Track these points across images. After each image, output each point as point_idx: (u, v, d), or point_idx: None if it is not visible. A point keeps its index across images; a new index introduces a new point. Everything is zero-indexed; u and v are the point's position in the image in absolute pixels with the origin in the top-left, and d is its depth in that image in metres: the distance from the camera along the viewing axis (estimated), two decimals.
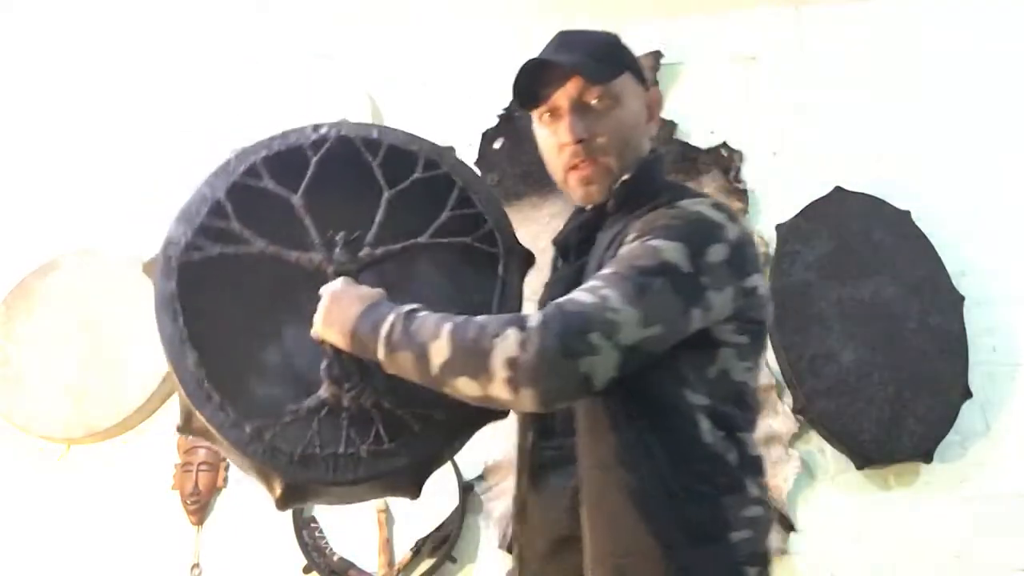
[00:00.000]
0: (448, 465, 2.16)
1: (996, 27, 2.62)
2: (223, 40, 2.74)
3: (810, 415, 2.25)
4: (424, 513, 2.19)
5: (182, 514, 2.24)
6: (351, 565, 2.15)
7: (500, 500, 2.17)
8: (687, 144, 2.53)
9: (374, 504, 2.19)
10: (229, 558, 2.21)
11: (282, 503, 1.17)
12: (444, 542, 2.12)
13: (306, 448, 1.14)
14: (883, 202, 2.41)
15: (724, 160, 2.51)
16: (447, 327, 1.04)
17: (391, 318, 1.08)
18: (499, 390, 1.00)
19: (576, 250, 1.27)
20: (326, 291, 1.16)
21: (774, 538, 2.10)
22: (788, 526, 2.13)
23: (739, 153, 2.52)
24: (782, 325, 2.26)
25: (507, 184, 2.52)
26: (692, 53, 2.66)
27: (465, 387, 1.03)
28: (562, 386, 1.00)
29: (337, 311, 1.13)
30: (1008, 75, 2.57)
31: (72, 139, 2.71)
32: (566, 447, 1.15)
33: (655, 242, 1.07)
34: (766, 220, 2.44)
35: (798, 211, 2.40)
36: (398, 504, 2.22)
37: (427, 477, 1.22)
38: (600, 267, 1.12)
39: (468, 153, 2.57)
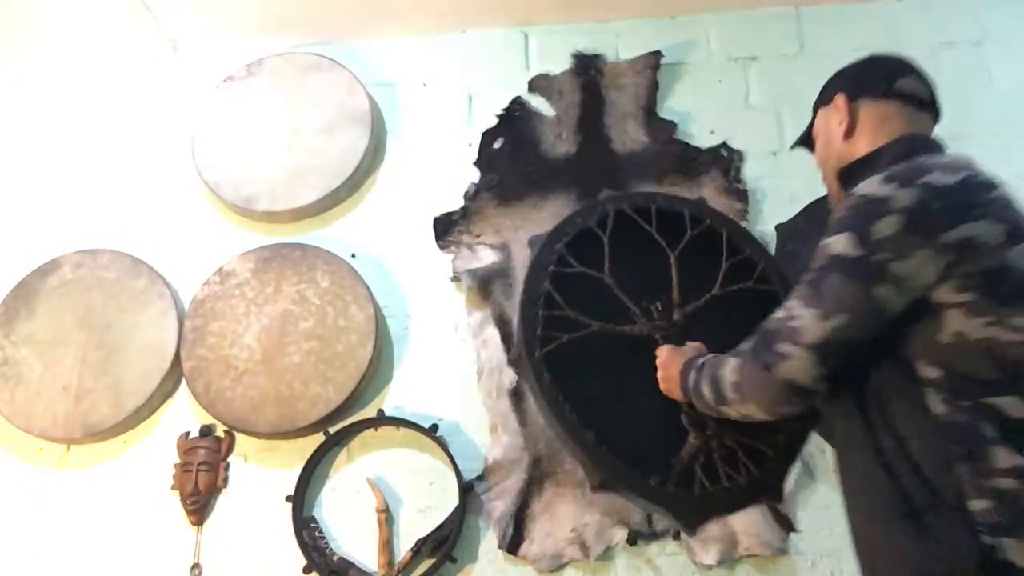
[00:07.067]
0: (448, 465, 2.17)
1: (996, 25, 2.62)
2: (223, 40, 2.74)
3: None
4: (424, 513, 2.20)
5: (182, 514, 2.23)
6: (351, 565, 2.15)
7: (500, 500, 2.17)
8: (687, 144, 2.53)
9: (374, 504, 2.19)
10: (229, 558, 2.21)
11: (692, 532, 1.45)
12: (444, 542, 2.12)
13: (700, 489, 1.37)
14: None
15: (724, 160, 2.51)
16: (705, 373, 1.30)
17: (692, 375, 1.33)
18: (736, 409, 1.24)
19: None
20: (660, 360, 1.44)
21: (773, 538, 2.10)
22: (788, 526, 2.13)
23: (739, 153, 2.52)
24: None
25: (507, 184, 2.51)
26: (692, 53, 2.67)
27: (729, 412, 1.26)
28: (772, 395, 1.17)
29: (668, 375, 1.41)
30: (1010, 71, 2.57)
31: (72, 139, 2.72)
32: None
33: (825, 240, 1.18)
34: (766, 220, 2.43)
35: (798, 211, 2.40)
36: (398, 504, 2.22)
37: (784, 483, 1.45)
38: None
39: (468, 153, 2.57)
